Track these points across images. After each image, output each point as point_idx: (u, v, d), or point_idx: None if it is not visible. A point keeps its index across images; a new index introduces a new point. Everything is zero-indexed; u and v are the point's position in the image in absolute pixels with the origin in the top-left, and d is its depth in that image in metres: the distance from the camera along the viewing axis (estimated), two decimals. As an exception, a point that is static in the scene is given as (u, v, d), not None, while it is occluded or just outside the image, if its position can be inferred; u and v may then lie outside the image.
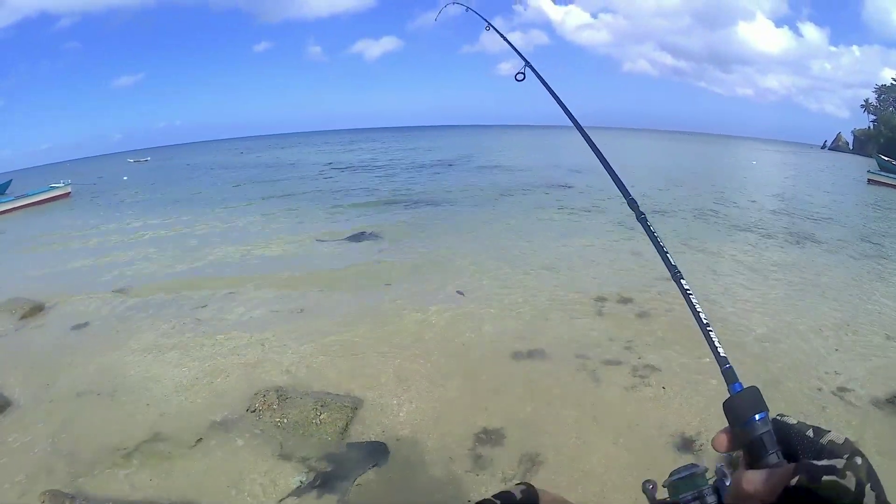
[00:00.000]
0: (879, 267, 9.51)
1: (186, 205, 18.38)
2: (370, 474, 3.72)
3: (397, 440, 4.11)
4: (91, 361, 5.69)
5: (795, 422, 0.70)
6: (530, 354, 5.53)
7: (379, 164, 32.70)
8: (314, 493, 3.56)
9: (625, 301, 7.00)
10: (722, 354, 0.85)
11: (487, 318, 6.51)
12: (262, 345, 5.93)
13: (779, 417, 0.73)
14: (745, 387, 0.77)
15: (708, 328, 0.91)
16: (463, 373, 5.16)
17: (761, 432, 0.69)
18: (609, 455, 3.89)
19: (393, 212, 15.03)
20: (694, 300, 0.97)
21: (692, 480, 0.72)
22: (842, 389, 4.81)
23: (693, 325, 0.92)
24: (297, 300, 7.46)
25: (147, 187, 27.02)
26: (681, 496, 0.71)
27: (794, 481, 0.57)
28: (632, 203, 1.34)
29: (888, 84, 66.23)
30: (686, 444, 3.99)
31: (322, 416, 4.18)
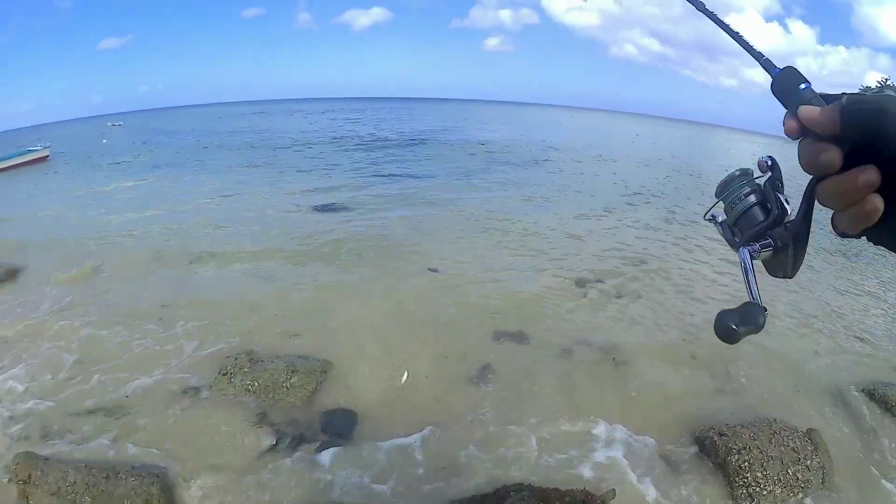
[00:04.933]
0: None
1: (160, 171, 17.92)
2: (335, 440, 3.83)
3: (364, 405, 4.22)
4: (71, 331, 5.60)
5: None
6: (505, 332, 5.63)
7: (357, 134, 31.93)
8: (282, 454, 3.66)
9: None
10: (757, 49, 0.88)
11: (460, 293, 6.61)
12: (235, 310, 5.97)
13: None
14: (781, 68, 0.82)
15: (737, 33, 0.91)
16: (432, 343, 5.28)
17: (811, 97, 0.70)
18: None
19: (366, 184, 14.77)
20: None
21: (742, 178, 0.80)
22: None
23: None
24: (268, 269, 7.51)
25: (122, 153, 26.07)
26: (738, 195, 0.80)
27: (843, 100, 0.60)
28: None
29: (873, 87, 66.92)
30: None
31: (292, 381, 4.25)
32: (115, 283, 6.95)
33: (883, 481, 3.80)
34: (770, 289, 7.48)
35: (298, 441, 3.78)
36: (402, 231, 9.61)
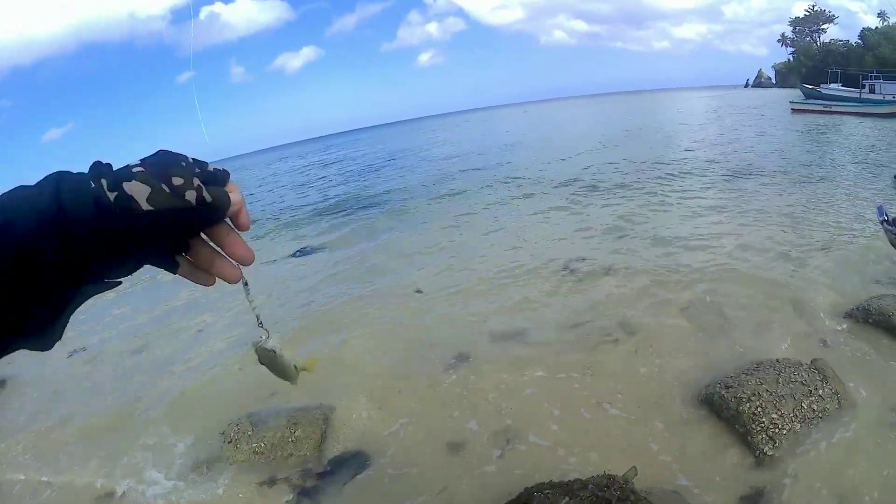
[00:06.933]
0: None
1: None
2: (354, 482, 3.75)
3: (374, 444, 4.14)
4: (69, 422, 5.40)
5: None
6: (505, 338, 5.57)
7: (308, 177, 31.88)
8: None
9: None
10: None
11: (450, 313, 6.51)
12: (224, 371, 5.87)
13: None
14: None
15: None
16: (427, 361, 5.25)
17: None
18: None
19: (331, 222, 14.58)
20: None
21: None
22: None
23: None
24: (246, 320, 7.30)
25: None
26: None
27: None
28: None
29: (801, 16, 68.76)
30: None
31: (297, 433, 4.16)
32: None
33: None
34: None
35: (314, 493, 3.69)
36: (381, 260, 9.50)
